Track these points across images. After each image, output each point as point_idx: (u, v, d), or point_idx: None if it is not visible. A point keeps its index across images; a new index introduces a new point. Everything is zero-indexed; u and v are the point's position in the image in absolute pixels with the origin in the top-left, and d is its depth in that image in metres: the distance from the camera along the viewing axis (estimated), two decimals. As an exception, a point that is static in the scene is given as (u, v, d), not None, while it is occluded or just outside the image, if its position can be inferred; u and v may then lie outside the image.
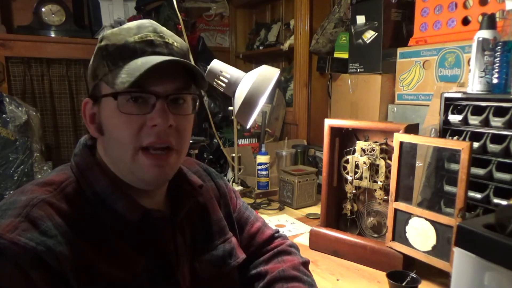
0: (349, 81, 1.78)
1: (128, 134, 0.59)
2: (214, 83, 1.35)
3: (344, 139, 1.23)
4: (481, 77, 1.07)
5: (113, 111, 0.60)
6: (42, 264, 0.50)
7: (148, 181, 0.63)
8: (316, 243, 1.22)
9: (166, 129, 0.60)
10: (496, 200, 0.99)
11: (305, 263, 0.84)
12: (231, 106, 1.39)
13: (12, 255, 0.49)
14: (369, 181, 1.16)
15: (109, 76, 0.59)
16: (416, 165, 1.10)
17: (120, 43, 0.60)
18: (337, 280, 1.04)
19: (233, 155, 1.70)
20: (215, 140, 2.07)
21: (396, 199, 1.05)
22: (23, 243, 0.50)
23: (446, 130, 1.14)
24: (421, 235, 1.00)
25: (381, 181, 1.13)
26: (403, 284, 0.93)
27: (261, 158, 1.76)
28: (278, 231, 0.90)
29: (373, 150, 1.14)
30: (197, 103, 0.67)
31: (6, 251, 0.49)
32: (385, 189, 1.13)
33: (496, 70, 1.02)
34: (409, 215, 1.03)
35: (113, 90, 0.58)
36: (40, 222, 0.53)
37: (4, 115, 1.82)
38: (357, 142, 1.17)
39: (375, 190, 1.15)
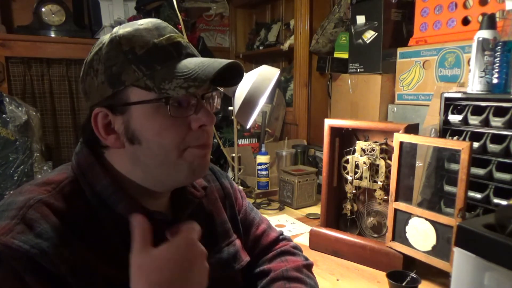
0: (349, 81, 1.78)
1: (176, 138, 0.59)
2: (214, 83, 1.34)
3: (344, 139, 1.23)
4: (481, 77, 1.07)
5: (155, 116, 0.57)
6: (37, 267, 0.50)
7: (193, 176, 0.64)
8: (316, 243, 1.22)
9: (210, 128, 0.62)
10: (496, 200, 0.99)
11: (308, 266, 0.83)
12: (231, 106, 1.39)
13: (5, 258, 0.48)
14: (369, 181, 1.16)
15: (147, 81, 0.56)
16: (416, 165, 1.10)
17: (149, 46, 0.57)
18: (337, 280, 1.04)
19: (233, 155, 1.70)
20: (215, 140, 2.07)
21: (396, 199, 1.05)
22: (16, 246, 0.49)
23: (446, 130, 1.14)
24: (421, 235, 1.00)
25: (381, 181, 1.13)
26: (403, 284, 0.93)
27: (261, 158, 1.76)
28: (282, 233, 0.90)
29: (373, 150, 1.14)
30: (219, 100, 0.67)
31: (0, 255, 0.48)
32: (385, 189, 1.13)
33: (496, 70, 1.02)
34: (409, 215, 1.03)
35: (160, 95, 0.56)
36: (35, 224, 0.52)
37: (4, 115, 1.82)
38: (357, 142, 1.17)
39: (375, 190, 1.15)
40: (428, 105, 1.36)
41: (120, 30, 0.60)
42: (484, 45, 1.05)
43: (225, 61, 0.58)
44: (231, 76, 0.63)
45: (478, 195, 1.02)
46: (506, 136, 1.00)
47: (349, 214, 1.23)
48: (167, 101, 0.57)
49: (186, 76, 0.56)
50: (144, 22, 0.61)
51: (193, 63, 0.58)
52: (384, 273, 0.97)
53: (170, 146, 0.59)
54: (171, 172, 0.61)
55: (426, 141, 1.03)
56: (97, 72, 0.59)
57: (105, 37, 0.61)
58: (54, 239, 0.52)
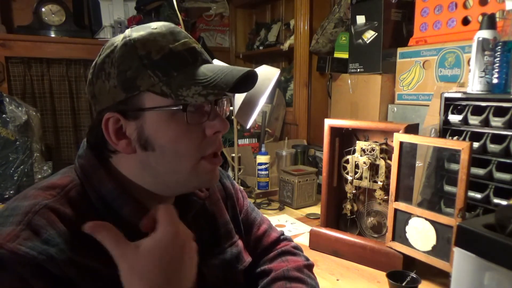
0: (349, 81, 1.78)
1: (191, 145, 0.58)
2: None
3: (344, 139, 1.23)
4: (481, 77, 1.07)
5: (170, 123, 0.57)
6: (44, 273, 0.49)
7: (202, 187, 0.66)
8: (316, 243, 1.22)
9: (221, 135, 0.62)
10: (496, 200, 0.99)
11: (309, 266, 0.83)
12: (231, 106, 1.39)
13: (12, 265, 0.48)
14: (369, 181, 1.16)
15: (163, 87, 0.55)
16: (416, 165, 1.10)
17: (166, 51, 0.57)
18: (337, 280, 1.04)
19: (233, 155, 1.70)
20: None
21: (396, 199, 1.05)
22: (23, 253, 0.48)
23: (446, 130, 1.14)
24: (421, 235, 1.00)
25: (381, 181, 1.13)
26: (403, 284, 0.93)
27: (261, 158, 1.76)
28: (283, 233, 0.90)
29: (373, 150, 1.14)
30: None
31: (6, 262, 0.47)
32: (385, 189, 1.13)
33: (496, 70, 1.02)
34: (409, 215, 1.03)
35: (177, 101, 0.56)
36: (42, 231, 0.51)
37: (4, 115, 1.82)
38: (357, 142, 1.17)
39: (375, 190, 1.15)
40: (428, 105, 1.36)
41: (134, 33, 0.58)
42: (484, 45, 1.05)
43: (243, 70, 0.58)
44: (244, 83, 0.63)
45: (478, 195, 1.02)
46: (506, 136, 1.00)
47: (349, 214, 1.23)
48: (184, 108, 0.56)
49: (205, 83, 0.55)
50: (158, 26, 0.60)
51: (210, 70, 0.58)
52: (384, 273, 0.97)
53: (185, 153, 0.58)
54: (180, 180, 0.61)
55: (426, 141, 1.03)
56: (109, 76, 0.57)
57: (116, 40, 0.59)
58: (61, 245, 0.51)
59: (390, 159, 1.11)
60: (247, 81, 0.63)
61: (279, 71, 1.29)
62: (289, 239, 0.90)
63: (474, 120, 1.07)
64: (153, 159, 0.59)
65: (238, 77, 0.55)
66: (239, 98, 1.25)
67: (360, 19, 1.69)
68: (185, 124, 0.57)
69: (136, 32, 0.59)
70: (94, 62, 0.61)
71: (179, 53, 0.58)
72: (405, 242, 1.04)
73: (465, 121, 1.10)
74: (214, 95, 0.55)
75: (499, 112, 1.02)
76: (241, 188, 0.90)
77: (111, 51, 0.58)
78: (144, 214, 0.60)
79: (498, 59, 1.02)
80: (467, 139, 1.08)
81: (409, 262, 1.04)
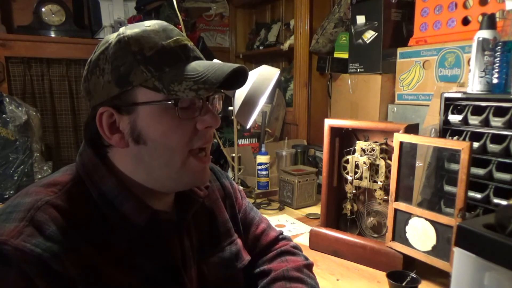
0: (349, 81, 1.78)
1: (182, 139, 0.59)
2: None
3: (344, 139, 1.23)
4: (481, 77, 1.07)
5: (162, 117, 0.58)
6: (48, 270, 0.49)
7: (194, 185, 0.67)
8: (316, 243, 1.22)
9: (212, 130, 0.63)
10: (496, 200, 0.99)
11: (309, 266, 0.83)
12: (231, 106, 1.39)
13: (17, 262, 0.48)
14: (369, 181, 1.16)
15: (156, 82, 0.56)
16: (416, 165, 1.10)
17: (158, 47, 0.58)
18: (337, 280, 1.04)
19: (233, 155, 1.70)
20: (215, 140, 2.06)
21: (396, 199, 1.05)
22: (28, 250, 0.48)
23: (446, 130, 1.14)
24: (421, 235, 1.00)
25: (381, 181, 1.13)
26: (403, 284, 0.93)
27: (261, 158, 1.75)
28: (282, 233, 0.90)
29: (373, 150, 1.14)
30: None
31: (10, 258, 0.48)
32: (385, 189, 1.13)
33: (496, 70, 1.02)
34: (409, 215, 1.03)
35: (169, 96, 0.57)
36: (45, 227, 0.52)
37: (4, 115, 1.82)
38: (357, 142, 1.17)
39: (375, 190, 1.15)
40: (428, 105, 1.36)
41: (128, 30, 0.59)
42: (484, 45, 1.05)
43: (234, 65, 0.59)
44: (236, 79, 0.63)
45: (478, 195, 1.02)
46: (506, 136, 1.00)
47: (349, 214, 1.23)
48: (176, 103, 0.57)
49: (196, 78, 0.56)
50: (151, 24, 0.61)
51: (201, 65, 0.59)
52: (384, 273, 0.97)
53: (176, 147, 0.59)
54: (173, 176, 0.62)
55: (426, 141, 1.03)
56: (103, 72, 0.58)
57: (111, 37, 0.61)
58: (64, 242, 0.52)
59: (390, 159, 1.11)
60: (238, 77, 0.63)
61: (279, 71, 1.29)
62: (288, 239, 0.90)
63: (474, 120, 1.07)
64: (146, 153, 0.60)
65: (228, 72, 0.56)
66: (239, 98, 1.24)
67: (360, 19, 1.69)
68: (177, 118, 0.58)
69: (130, 29, 0.60)
70: (89, 59, 0.62)
71: (171, 50, 0.59)
72: (405, 242, 1.04)
73: (465, 121, 1.10)
74: (205, 90, 0.55)
75: (499, 112, 1.02)
76: (240, 187, 0.91)
77: (106, 48, 0.59)
78: (144, 211, 0.61)
79: (498, 59, 1.02)
80: (467, 139, 1.08)
81: (409, 262, 1.04)
